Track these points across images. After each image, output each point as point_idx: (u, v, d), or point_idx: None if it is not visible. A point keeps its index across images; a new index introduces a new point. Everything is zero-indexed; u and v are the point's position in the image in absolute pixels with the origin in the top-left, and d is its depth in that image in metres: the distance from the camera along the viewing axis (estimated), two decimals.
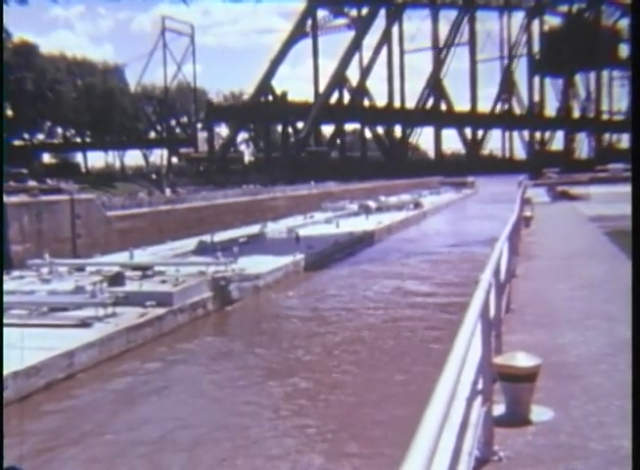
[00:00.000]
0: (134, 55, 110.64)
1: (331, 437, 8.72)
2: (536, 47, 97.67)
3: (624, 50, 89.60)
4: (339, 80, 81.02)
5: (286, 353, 12.91)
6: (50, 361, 10.86)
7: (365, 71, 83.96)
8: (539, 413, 4.64)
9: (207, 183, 52.67)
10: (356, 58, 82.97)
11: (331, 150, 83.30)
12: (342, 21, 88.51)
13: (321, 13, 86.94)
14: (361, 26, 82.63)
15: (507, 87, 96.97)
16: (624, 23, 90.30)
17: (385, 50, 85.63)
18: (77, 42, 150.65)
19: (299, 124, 78.90)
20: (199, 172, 66.54)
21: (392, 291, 18.98)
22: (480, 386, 3.91)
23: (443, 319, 14.30)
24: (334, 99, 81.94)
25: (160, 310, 14.53)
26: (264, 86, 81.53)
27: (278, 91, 79.86)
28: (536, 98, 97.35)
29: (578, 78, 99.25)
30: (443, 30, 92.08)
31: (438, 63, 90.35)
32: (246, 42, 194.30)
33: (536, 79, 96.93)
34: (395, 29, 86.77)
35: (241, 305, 17.50)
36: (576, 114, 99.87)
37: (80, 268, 20.01)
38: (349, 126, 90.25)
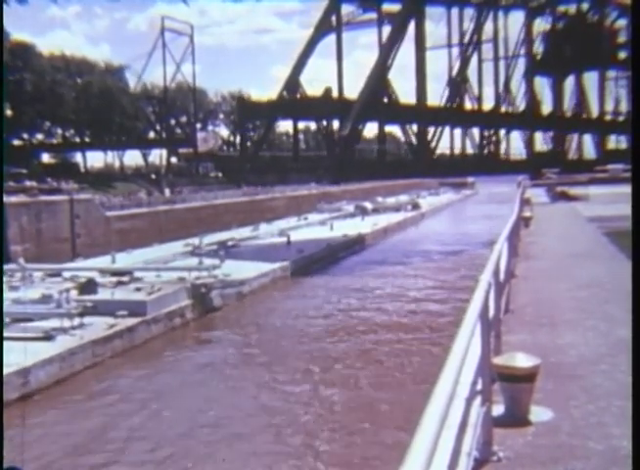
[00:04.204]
0: (131, 55, 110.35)
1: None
2: (536, 47, 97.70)
3: (623, 51, 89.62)
4: (379, 77, 79.91)
5: (267, 369, 11.98)
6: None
7: (387, 68, 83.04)
8: (539, 413, 4.63)
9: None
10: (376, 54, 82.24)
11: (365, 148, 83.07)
12: (371, 15, 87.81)
13: (346, 8, 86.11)
14: (399, 22, 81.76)
15: (507, 88, 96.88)
16: (622, 24, 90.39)
17: (403, 48, 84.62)
18: (74, 42, 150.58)
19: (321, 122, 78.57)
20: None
21: (385, 298, 18.45)
22: (479, 386, 3.90)
23: (430, 344, 12.76)
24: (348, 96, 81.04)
25: (132, 321, 13.68)
26: (292, 83, 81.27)
27: (277, 91, 79.86)
28: (546, 99, 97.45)
29: (577, 79, 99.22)
30: (440, 29, 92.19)
31: (463, 61, 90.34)
32: (243, 42, 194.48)
33: (537, 79, 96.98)
34: (411, 27, 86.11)
35: (222, 314, 16.57)
36: (572, 114, 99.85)
37: (56, 274, 18.94)
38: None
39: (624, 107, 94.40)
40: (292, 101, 79.78)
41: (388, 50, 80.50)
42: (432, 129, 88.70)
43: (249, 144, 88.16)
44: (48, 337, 12.20)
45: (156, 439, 9.13)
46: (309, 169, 66.26)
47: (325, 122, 79.83)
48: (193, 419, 9.86)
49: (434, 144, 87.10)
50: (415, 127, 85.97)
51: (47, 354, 11.20)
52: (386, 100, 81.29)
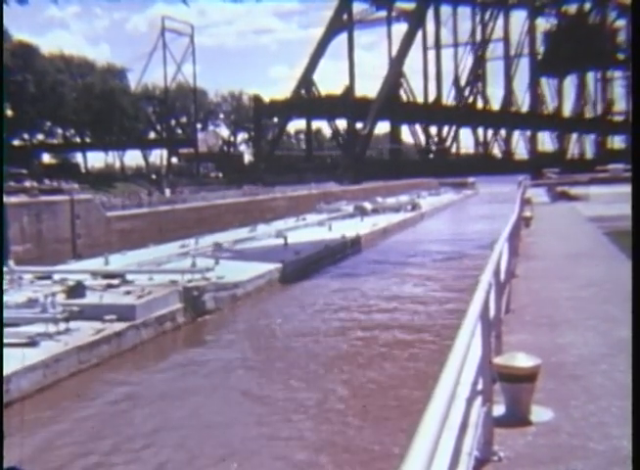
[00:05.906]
0: (131, 55, 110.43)
1: None
2: (538, 47, 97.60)
3: (623, 51, 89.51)
4: (396, 76, 79.26)
5: (260, 378, 11.54)
6: None
7: (402, 67, 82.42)
8: (539, 414, 4.63)
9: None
10: (385, 52, 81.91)
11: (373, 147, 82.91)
12: (382, 14, 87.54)
13: (357, 6, 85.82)
14: (415, 19, 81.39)
15: (510, 88, 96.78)
16: (622, 24, 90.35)
17: (413, 47, 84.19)
18: (74, 42, 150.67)
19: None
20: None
21: (383, 300, 18.06)
22: (479, 386, 3.91)
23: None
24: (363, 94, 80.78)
25: (120, 325, 13.20)
26: (305, 82, 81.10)
27: (277, 90, 79.95)
28: (549, 99, 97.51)
29: (579, 78, 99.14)
30: (442, 29, 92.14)
31: (475, 61, 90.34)
32: (243, 42, 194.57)
33: (540, 79, 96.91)
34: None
35: (215, 318, 16.12)
36: (574, 114, 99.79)
37: (46, 277, 18.32)
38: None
39: (625, 106, 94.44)
40: (310, 100, 79.44)
41: (404, 49, 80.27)
42: (443, 129, 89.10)
43: (247, 145, 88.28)
44: (32, 343, 11.77)
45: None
46: (325, 169, 66.03)
47: (345, 122, 79.41)
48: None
49: (448, 144, 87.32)
50: (429, 128, 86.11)
51: (30, 362, 10.78)
52: (404, 99, 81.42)
